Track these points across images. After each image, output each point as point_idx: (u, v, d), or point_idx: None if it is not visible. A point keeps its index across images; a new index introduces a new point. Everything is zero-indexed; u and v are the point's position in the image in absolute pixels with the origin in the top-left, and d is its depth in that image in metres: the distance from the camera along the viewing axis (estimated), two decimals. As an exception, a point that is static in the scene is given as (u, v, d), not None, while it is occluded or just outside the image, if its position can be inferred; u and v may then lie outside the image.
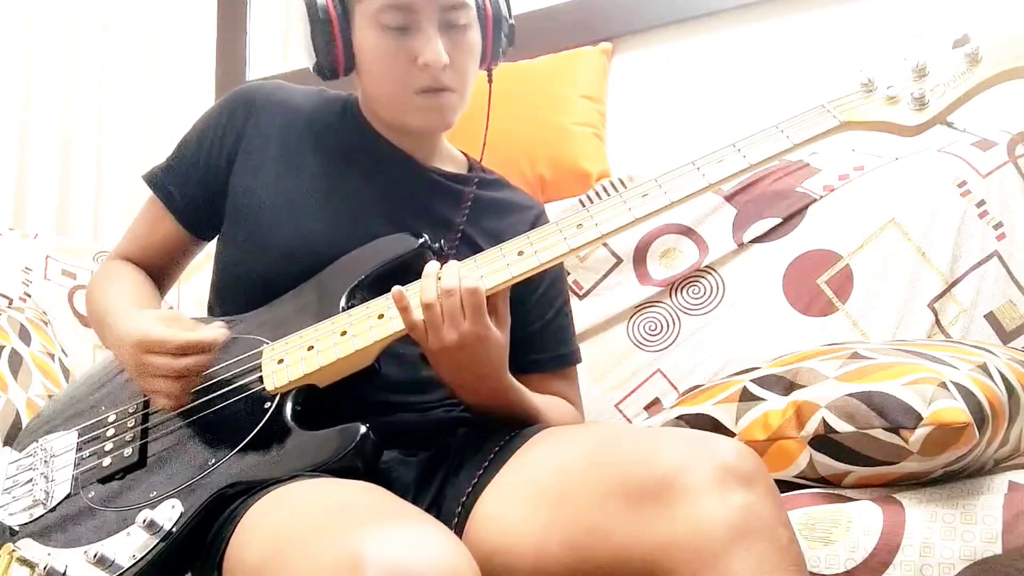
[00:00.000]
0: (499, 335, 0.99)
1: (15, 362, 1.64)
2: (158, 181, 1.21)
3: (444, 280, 0.97)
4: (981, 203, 1.46)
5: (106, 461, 1.02)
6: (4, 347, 1.65)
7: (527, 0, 2.10)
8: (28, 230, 2.17)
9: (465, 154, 1.29)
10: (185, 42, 2.54)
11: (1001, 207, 1.46)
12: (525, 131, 1.92)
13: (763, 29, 1.90)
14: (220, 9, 2.53)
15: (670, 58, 1.99)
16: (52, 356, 1.70)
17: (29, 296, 1.84)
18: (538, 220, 1.25)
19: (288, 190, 1.15)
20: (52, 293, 1.84)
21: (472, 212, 1.19)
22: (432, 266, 0.99)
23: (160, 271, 1.25)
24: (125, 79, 2.52)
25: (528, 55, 2.04)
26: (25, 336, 1.70)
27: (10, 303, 1.81)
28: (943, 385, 0.98)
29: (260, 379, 1.01)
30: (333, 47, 1.13)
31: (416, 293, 0.98)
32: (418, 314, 0.97)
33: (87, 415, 1.10)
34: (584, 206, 0.97)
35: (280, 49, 2.48)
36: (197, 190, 1.19)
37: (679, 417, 1.20)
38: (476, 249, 1.08)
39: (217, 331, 1.02)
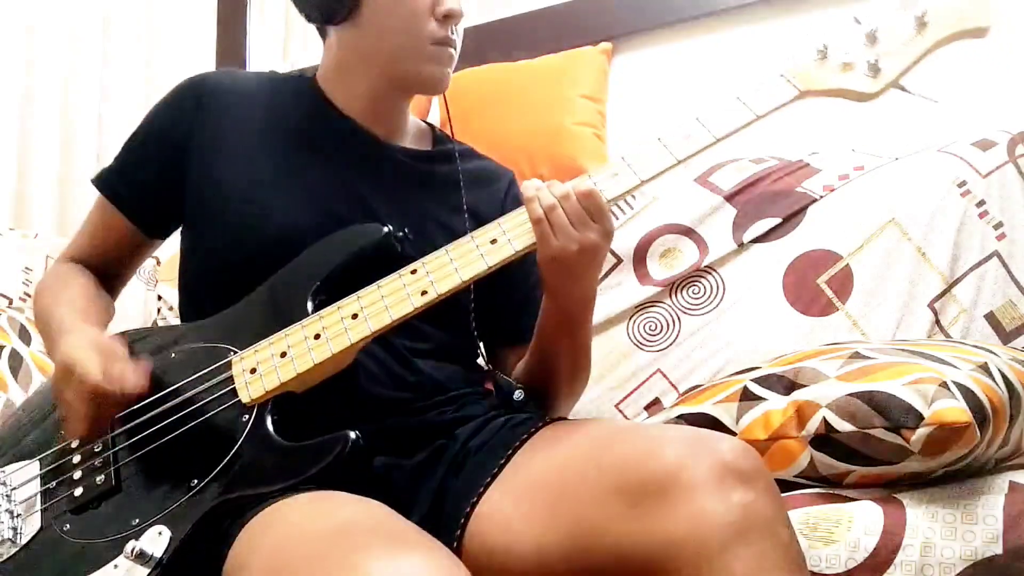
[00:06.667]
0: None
1: (15, 362, 1.64)
2: (107, 183, 1.17)
3: (554, 188, 0.97)
4: (981, 203, 1.46)
5: (78, 491, 0.97)
6: (4, 347, 1.65)
7: (527, 0, 2.11)
8: (28, 230, 2.18)
9: (430, 125, 1.25)
10: (185, 42, 2.54)
11: (1001, 207, 1.45)
12: (525, 131, 1.92)
13: (763, 29, 1.90)
14: (220, 9, 2.53)
15: (670, 58, 1.99)
16: (52, 356, 1.70)
17: (29, 296, 1.84)
18: (511, 187, 1.22)
19: (249, 178, 1.09)
20: (52, 293, 1.84)
21: (444, 189, 1.16)
22: (533, 183, 0.98)
23: (113, 272, 1.21)
24: (125, 79, 2.52)
25: (528, 55, 2.04)
26: (25, 336, 1.70)
27: (10, 303, 1.81)
28: (944, 385, 0.98)
29: (233, 391, 0.96)
30: None
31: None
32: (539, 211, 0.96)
33: (46, 443, 1.04)
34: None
35: (280, 49, 2.48)
36: (147, 188, 1.14)
37: (679, 417, 1.20)
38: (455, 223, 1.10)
39: (136, 380, 0.97)
